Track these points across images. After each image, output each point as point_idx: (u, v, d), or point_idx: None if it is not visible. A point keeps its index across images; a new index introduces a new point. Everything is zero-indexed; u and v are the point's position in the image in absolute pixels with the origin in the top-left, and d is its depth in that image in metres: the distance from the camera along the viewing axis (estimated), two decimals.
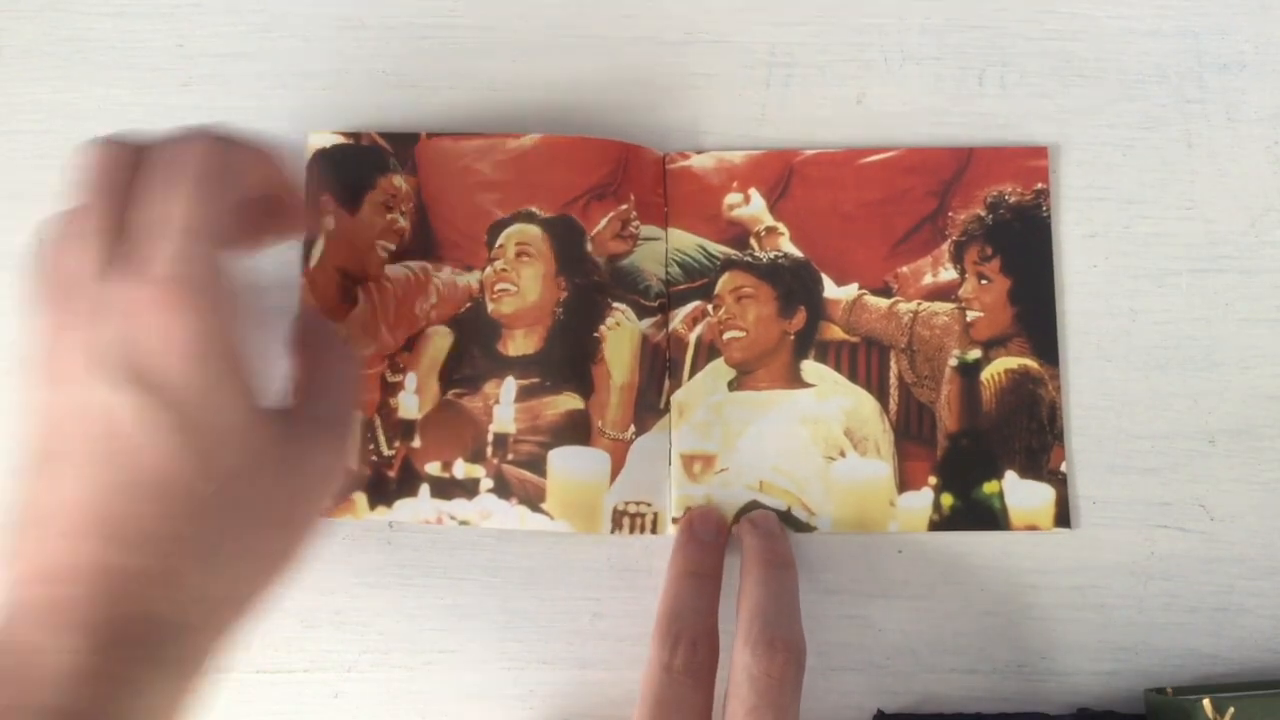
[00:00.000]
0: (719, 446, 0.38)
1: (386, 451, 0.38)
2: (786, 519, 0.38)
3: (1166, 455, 0.39)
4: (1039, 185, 0.39)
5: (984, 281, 0.39)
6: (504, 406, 0.38)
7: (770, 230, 0.39)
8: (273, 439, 0.30)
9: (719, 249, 0.39)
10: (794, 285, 0.39)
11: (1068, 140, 0.40)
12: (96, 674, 0.26)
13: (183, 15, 0.41)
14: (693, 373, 0.39)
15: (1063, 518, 0.38)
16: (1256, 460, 0.38)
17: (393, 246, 0.39)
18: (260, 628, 0.38)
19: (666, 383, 0.39)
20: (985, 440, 0.38)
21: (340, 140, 0.40)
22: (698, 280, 0.39)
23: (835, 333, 0.39)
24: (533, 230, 0.39)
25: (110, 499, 0.27)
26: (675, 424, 0.38)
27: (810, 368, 0.39)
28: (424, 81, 0.41)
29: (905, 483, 0.38)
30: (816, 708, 0.37)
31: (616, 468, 0.38)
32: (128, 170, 0.30)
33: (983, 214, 0.39)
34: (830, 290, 0.39)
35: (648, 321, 0.39)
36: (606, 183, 0.39)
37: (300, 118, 0.41)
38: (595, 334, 0.38)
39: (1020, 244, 0.39)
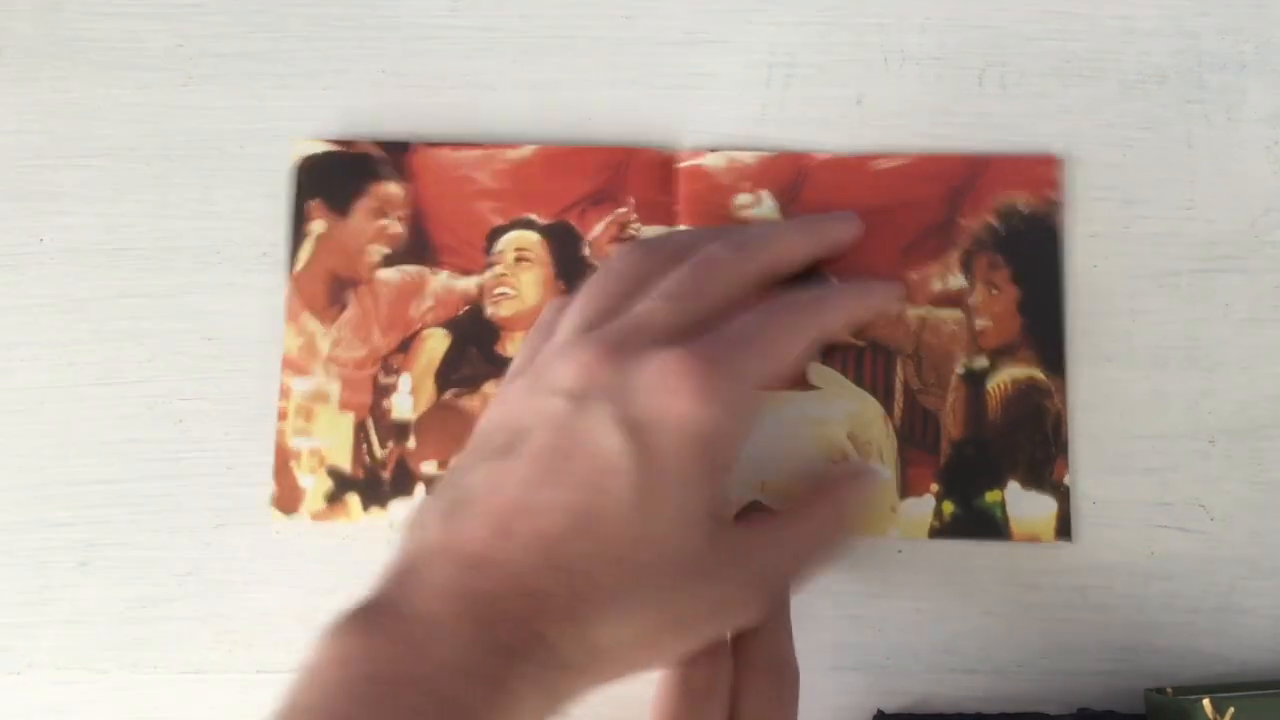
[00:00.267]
0: None
1: (379, 453, 0.38)
2: None
3: (1166, 455, 0.38)
4: (1051, 195, 0.39)
5: (993, 291, 0.39)
6: None
7: None
8: (711, 550, 0.30)
9: None
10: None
11: (1067, 140, 0.40)
12: (484, 675, 0.26)
13: (183, 15, 0.41)
14: None
15: (1064, 530, 0.38)
16: (1257, 460, 0.38)
17: (386, 251, 0.39)
18: (262, 628, 0.38)
19: None
20: (989, 449, 0.38)
21: (329, 148, 0.40)
22: None
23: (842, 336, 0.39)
24: (531, 236, 0.39)
25: (554, 517, 0.28)
26: None
27: (816, 370, 0.39)
28: (424, 81, 0.41)
29: (907, 488, 0.38)
30: (816, 708, 0.37)
31: None
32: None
33: (993, 223, 0.39)
34: None
35: None
36: (605, 188, 0.40)
37: (300, 118, 0.41)
38: None
39: (1031, 254, 0.39)
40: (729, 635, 0.33)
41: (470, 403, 0.38)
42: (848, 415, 0.38)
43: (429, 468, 0.38)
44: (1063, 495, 0.38)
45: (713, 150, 0.40)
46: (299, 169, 0.40)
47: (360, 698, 0.25)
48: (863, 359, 0.39)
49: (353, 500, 0.38)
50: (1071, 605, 0.38)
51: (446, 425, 0.38)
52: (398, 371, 0.39)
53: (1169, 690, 0.36)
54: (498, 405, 0.32)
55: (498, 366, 0.39)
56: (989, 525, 0.38)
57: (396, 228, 0.40)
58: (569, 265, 0.39)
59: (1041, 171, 0.39)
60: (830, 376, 0.39)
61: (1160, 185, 0.40)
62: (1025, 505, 0.38)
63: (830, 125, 0.40)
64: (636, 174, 0.40)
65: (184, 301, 0.40)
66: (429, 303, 0.39)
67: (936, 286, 0.39)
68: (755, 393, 0.31)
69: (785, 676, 0.32)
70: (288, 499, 0.38)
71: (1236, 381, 0.39)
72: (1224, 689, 0.36)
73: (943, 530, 0.38)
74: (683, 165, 0.40)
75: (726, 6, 0.41)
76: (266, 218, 0.40)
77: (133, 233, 0.40)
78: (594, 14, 0.41)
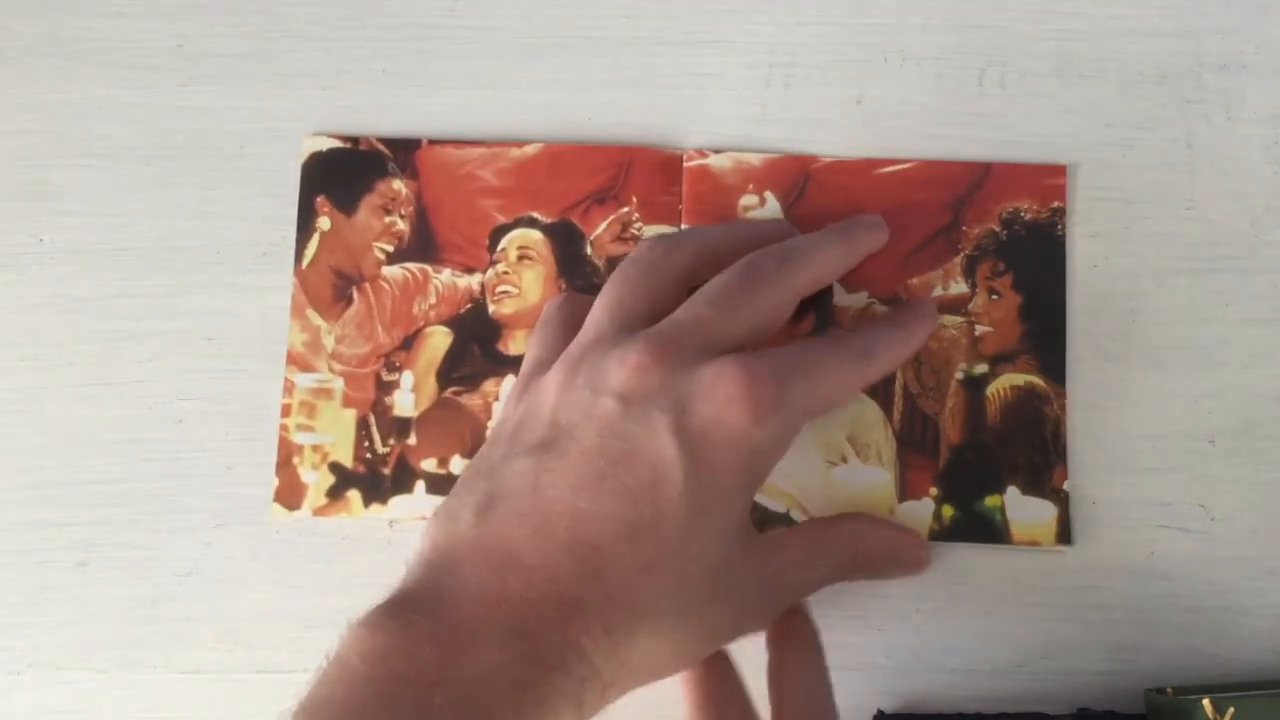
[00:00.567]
0: None
1: (381, 449, 0.38)
2: (785, 521, 0.38)
3: (1166, 455, 0.38)
4: (1055, 204, 0.39)
5: (994, 297, 0.39)
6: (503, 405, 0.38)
7: None
8: (741, 564, 0.30)
9: None
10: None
11: (1067, 140, 0.40)
12: (516, 683, 0.26)
13: (183, 15, 0.41)
14: None
15: (1064, 535, 0.38)
16: (1257, 460, 0.38)
17: (390, 248, 0.40)
18: (262, 628, 0.38)
19: None
20: (988, 454, 0.38)
21: (337, 144, 0.40)
22: None
23: None
24: (534, 235, 0.39)
25: (601, 525, 0.27)
26: None
27: None
28: (424, 81, 0.41)
29: (906, 491, 0.38)
30: None
31: None
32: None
33: (997, 229, 0.39)
34: (840, 297, 0.39)
35: None
36: (607, 187, 0.40)
37: (300, 118, 0.41)
38: None
39: (1034, 261, 0.39)
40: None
41: (471, 400, 0.39)
42: (848, 418, 0.38)
43: (429, 465, 0.38)
44: (1063, 501, 0.38)
45: (717, 151, 0.40)
46: (306, 165, 0.40)
47: (388, 697, 0.25)
48: None
49: (354, 496, 0.38)
50: (1071, 605, 0.38)
51: (447, 422, 0.38)
52: (400, 369, 0.39)
53: (1169, 690, 0.36)
54: (532, 396, 0.32)
55: (499, 364, 0.39)
56: (988, 529, 0.38)
57: (401, 225, 0.40)
58: (571, 264, 0.39)
59: (1048, 180, 0.39)
60: None
61: (1160, 185, 0.40)
62: (1025, 510, 0.38)
63: (830, 125, 0.40)
64: (640, 173, 0.40)
65: (184, 301, 0.40)
66: (432, 300, 0.39)
67: (938, 292, 0.39)
68: (798, 421, 0.31)
69: (819, 651, 0.33)
70: (290, 494, 0.38)
71: (1236, 381, 0.39)
72: (1224, 689, 0.36)
73: (942, 533, 0.38)
74: (688, 165, 0.40)
75: (726, 6, 0.41)
76: (266, 217, 0.40)
77: (133, 233, 0.40)
78: (593, 14, 0.41)
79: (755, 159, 0.40)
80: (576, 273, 0.39)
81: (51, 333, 0.40)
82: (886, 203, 0.39)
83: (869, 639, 0.38)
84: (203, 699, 0.37)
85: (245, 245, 0.40)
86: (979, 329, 0.39)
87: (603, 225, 0.40)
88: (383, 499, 0.38)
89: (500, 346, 0.39)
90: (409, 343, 0.39)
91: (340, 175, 0.40)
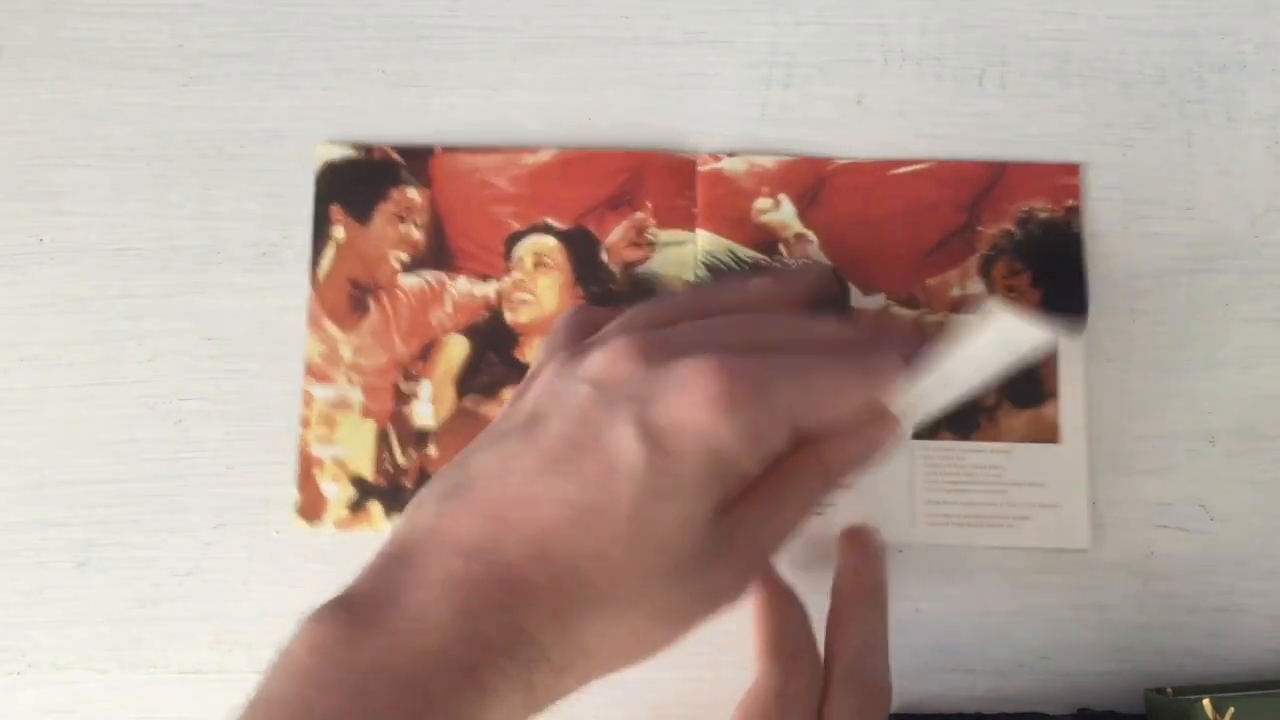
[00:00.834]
0: None
1: (401, 461, 0.38)
2: None
3: (1166, 455, 0.38)
4: (1070, 202, 0.39)
5: (1012, 295, 0.39)
6: None
7: (799, 237, 0.39)
8: (706, 547, 0.29)
9: (749, 253, 0.39)
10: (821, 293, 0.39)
11: (1067, 140, 0.40)
12: (459, 666, 0.26)
13: (183, 15, 0.41)
14: None
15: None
16: (1256, 460, 0.38)
17: (406, 257, 0.39)
18: (262, 628, 0.38)
19: None
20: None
21: (351, 153, 0.40)
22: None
23: None
24: (549, 241, 0.39)
25: (553, 509, 0.28)
26: None
27: None
28: (424, 82, 0.41)
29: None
30: None
31: None
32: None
33: (1013, 229, 0.39)
34: (857, 299, 0.39)
35: None
36: (621, 192, 0.40)
37: (300, 118, 0.41)
38: None
39: (1050, 259, 0.39)
40: (821, 646, 0.33)
41: (490, 409, 0.38)
42: None
43: None
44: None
45: (731, 154, 0.40)
46: (320, 174, 0.40)
47: (329, 685, 0.25)
48: None
49: (375, 508, 0.38)
50: (1071, 605, 0.38)
51: (467, 432, 0.38)
52: (418, 378, 0.39)
53: (1169, 690, 0.36)
54: (528, 383, 0.32)
55: (517, 372, 0.39)
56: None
57: (416, 233, 0.39)
58: (587, 270, 0.39)
59: (1061, 179, 0.39)
60: None
61: (1160, 185, 0.40)
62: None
63: (830, 125, 0.40)
64: (654, 178, 0.40)
65: (184, 301, 0.40)
66: (448, 309, 0.39)
67: (955, 292, 0.39)
68: (779, 424, 0.29)
69: (875, 695, 0.32)
70: (312, 507, 0.38)
71: (1236, 381, 0.39)
72: (1224, 689, 0.36)
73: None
74: (702, 170, 0.40)
75: (726, 6, 0.41)
76: (266, 217, 0.40)
77: (133, 233, 0.40)
78: (593, 14, 0.41)
79: (769, 162, 0.40)
80: (592, 279, 0.39)
81: (51, 333, 0.40)
82: (901, 203, 0.39)
83: None
84: (202, 699, 0.37)
85: (245, 245, 0.40)
86: None
87: (618, 230, 0.39)
88: (404, 510, 0.38)
89: (518, 354, 0.39)
90: (426, 352, 0.39)
91: (354, 184, 0.40)
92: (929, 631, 0.38)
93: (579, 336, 0.33)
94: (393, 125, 0.41)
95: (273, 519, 0.38)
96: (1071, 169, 0.39)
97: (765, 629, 0.33)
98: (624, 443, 0.28)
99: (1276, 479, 0.38)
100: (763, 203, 0.39)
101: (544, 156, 0.40)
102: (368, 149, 0.40)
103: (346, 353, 0.39)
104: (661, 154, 0.40)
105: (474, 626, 0.26)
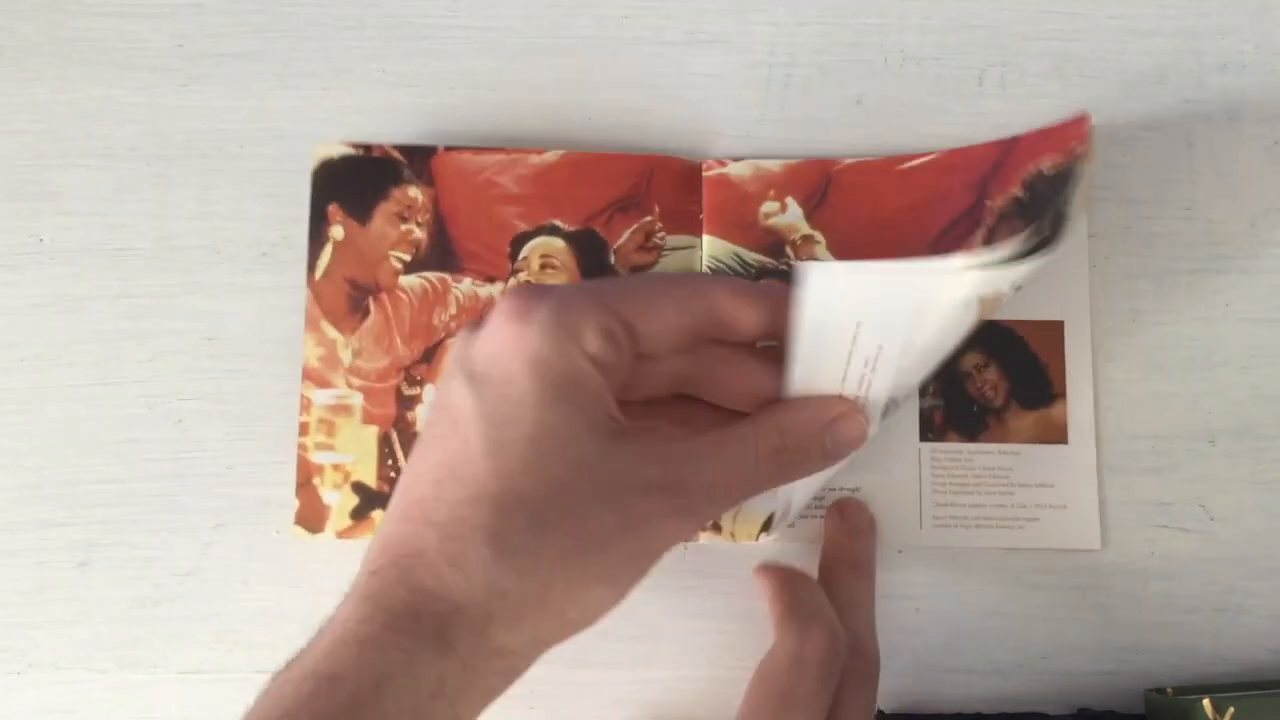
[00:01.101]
0: None
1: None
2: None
3: (1166, 455, 0.38)
4: (1079, 148, 0.35)
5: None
6: None
7: (806, 239, 0.39)
8: (597, 462, 0.29)
9: (755, 257, 0.39)
10: None
11: None
12: (358, 638, 0.27)
13: (183, 15, 0.41)
14: None
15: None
16: (1256, 460, 0.38)
17: (408, 257, 0.39)
18: (262, 628, 0.38)
19: None
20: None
21: (348, 151, 0.39)
22: None
23: None
24: (557, 243, 0.39)
25: (424, 481, 0.29)
26: None
27: None
28: (424, 82, 0.41)
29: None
30: None
31: None
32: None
33: (1020, 194, 0.37)
34: None
35: None
36: (630, 195, 0.39)
37: (300, 117, 0.41)
38: None
39: (1050, 204, 0.34)
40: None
41: None
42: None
43: None
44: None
45: (736, 159, 0.40)
46: (317, 172, 0.39)
47: (262, 689, 0.27)
48: None
49: (379, 516, 0.37)
50: (1072, 605, 0.38)
51: None
52: (421, 382, 0.38)
53: (1169, 690, 0.36)
54: None
55: None
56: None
57: (418, 233, 0.39)
58: (595, 273, 0.39)
59: (1072, 131, 0.36)
60: None
61: (1160, 185, 0.40)
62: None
63: (830, 125, 0.40)
64: (662, 182, 0.39)
65: (184, 301, 0.40)
66: (452, 310, 0.39)
67: None
68: (593, 315, 0.29)
69: (867, 658, 0.33)
70: (312, 517, 0.37)
71: (1236, 381, 0.39)
72: (1224, 689, 0.36)
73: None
74: (707, 175, 0.39)
75: (726, 6, 0.41)
76: (266, 217, 0.40)
77: (133, 233, 0.40)
78: (593, 14, 0.41)
79: (775, 165, 0.39)
80: None
81: (51, 333, 0.40)
82: (911, 197, 0.39)
83: None
84: (203, 699, 0.37)
85: (245, 245, 0.40)
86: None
87: (626, 234, 0.39)
88: None
89: None
90: (429, 355, 0.38)
91: (353, 182, 0.39)
92: (929, 631, 0.38)
93: None
94: (393, 125, 0.41)
95: (273, 519, 0.38)
96: (1081, 120, 0.36)
97: (780, 598, 0.33)
98: (456, 395, 0.29)
99: (1276, 479, 0.38)
100: (769, 206, 0.39)
101: (551, 157, 0.39)
102: (366, 147, 0.39)
103: (346, 356, 0.38)
104: (671, 157, 0.39)
105: (373, 604, 0.28)
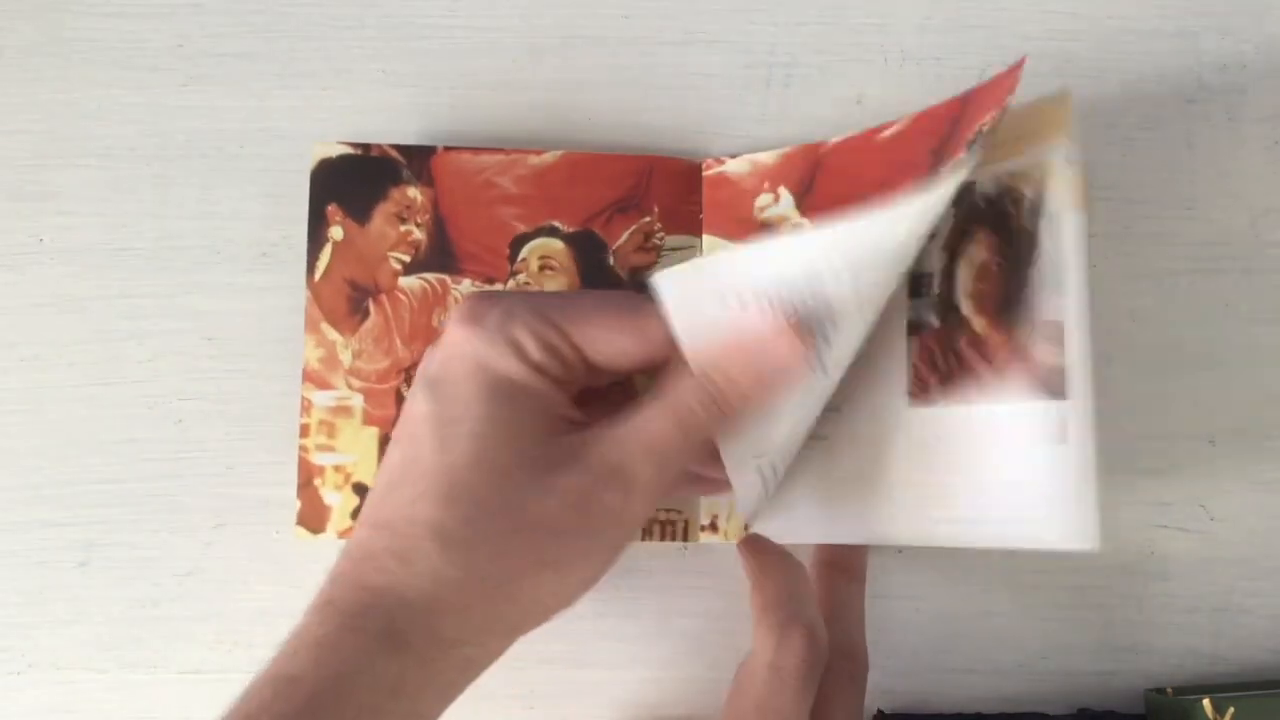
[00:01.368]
0: None
1: None
2: None
3: (1166, 455, 0.38)
4: (1007, 102, 0.32)
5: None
6: None
7: (796, 227, 0.39)
8: (540, 453, 0.30)
9: None
10: None
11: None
12: (316, 640, 0.28)
13: (183, 15, 0.41)
14: None
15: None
16: (1256, 460, 0.38)
17: (407, 258, 0.39)
18: (261, 628, 0.38)
19: None
20: None
21: (347, 150, 0.39)
22: None
23: None
24: (556, 244, 0.39)
25: (383, 481, 0.30)
26: None
27: None
28: (423, 82, 0.41)
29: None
30: None
31: None
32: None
33: (965, 157, 0.33)
34: None
35: None
36: (629, 196, 0.39)
37: (300, 117, 0.41)
38: None
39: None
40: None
41: None
42: None
43: None
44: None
45: (733, 156, 0.39)
46: (315, 172, 0.39)
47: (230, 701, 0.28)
48: None
49: None
50: (1071, 605, 0.38)
51: None
52: None
53: (1169, 690, 0.36)
54: None
55: None
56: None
57: (418, 234, 0.39)
58: (594, 274, 0.39)
59: (1008, 81, 0.32)
60: None
61: (1160, 185, 0.40)
62: None
63: (830, 125, 0.40)
64: (661, 182, 0.39)
65: (184, 301, 0.40)
66: (451, 311, 0.39)
67: None
68: (534, 324, 0.30)
69: (856, 661, 0.33)
70: (313, 517, 0.37)
71: (1236, 381, 0.39)
72: (1224, 689, 0.36)
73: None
74: (707, 174, 0.39)
75: (726, 6, 0.41)
76: (266, 218, 0.40)
77: (133, 233, 0.40)
78: (593, 14, 0.41)
79: (770, 156, 0.39)
80: (599, 283, 0.39)
81: (51, 333, 0.40)
82: (889, 170, 0.37)
83: (869, 639, 0.38)
84: (203, 699, 0.37)
85: (245, 245, 0.40)
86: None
87: (625, 234, 0.39)
88: None
89: None
90: None
91: (352, 183, 0.39)
92: (929, 631, 0.38)
93: None
94: (392, 125, 0.41)
95: (273, 520, 0.38)
96: (1016, 67, 0.32)
97: (759, 595, 0.32)
98: (413, 403, 0.31)
99: (1276, 479, 0.38)
100: (763, 199, 0.39)
101: (550, 158, 0.39)
102: (365, 147, 0.39)
103: (346, 357, 0.38)
104: (670, 158, 0.39)
105: (332, 608, 0.28)
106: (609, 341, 0.31)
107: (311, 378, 0.38)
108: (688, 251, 0.39)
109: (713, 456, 0.33)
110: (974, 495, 0.36)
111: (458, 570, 0.28)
